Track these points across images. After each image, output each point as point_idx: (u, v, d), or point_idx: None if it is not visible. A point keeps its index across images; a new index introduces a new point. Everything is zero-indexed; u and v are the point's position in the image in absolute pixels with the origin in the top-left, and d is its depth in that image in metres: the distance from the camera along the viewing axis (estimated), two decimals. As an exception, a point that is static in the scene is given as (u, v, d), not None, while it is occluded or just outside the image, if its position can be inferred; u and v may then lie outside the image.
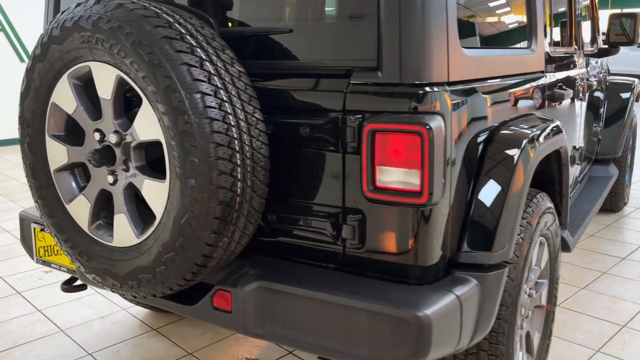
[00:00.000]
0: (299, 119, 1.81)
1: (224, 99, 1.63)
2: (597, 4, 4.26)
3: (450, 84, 1.71)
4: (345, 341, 1.70)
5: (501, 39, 2.41)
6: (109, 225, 1.94)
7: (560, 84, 2.81)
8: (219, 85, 1.64)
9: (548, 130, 2.20)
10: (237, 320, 1.85)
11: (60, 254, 2.44)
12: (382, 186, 1.67)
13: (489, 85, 1.99)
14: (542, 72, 2.55)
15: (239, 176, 1.66)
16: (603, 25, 4.43)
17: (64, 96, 1.87)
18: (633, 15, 3.91)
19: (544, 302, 2.54)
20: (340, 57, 1.77)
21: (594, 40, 4.22)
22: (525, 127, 2.10)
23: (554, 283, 2.59)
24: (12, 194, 6.20)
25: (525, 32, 2.45)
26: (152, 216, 1.85)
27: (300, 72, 1.83)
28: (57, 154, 1.95)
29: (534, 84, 2.43)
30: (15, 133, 8.76)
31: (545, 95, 2.55)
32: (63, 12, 1.82)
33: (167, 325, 3.23)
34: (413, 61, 1.64)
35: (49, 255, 2.50)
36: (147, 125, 1.70)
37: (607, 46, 4.12)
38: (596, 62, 4.16)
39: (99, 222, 1.95)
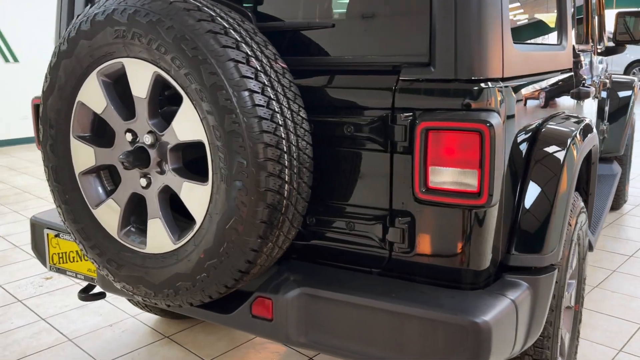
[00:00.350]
0: (343, 118, 1.74)
1: (272, 97, 1.55)
2: (603, 2, 4.25)
3: (504, 80, 1.65)
4: (395, 350, 1.63)
5: (538, 34, 2.36)
6: (141, 230, 1.84)
7: (583, 81, 2.77)
8: (266, 83, 1.55)
9: (584, 128, 2.16)
10: (279, 328, 1.77)
11: (77, 261, 2.34)
12: (435, 187, 1.60)
13: (532, 82, 1.93)
14: (570, 69, 2.51)
15: (287, 178, 1.58)
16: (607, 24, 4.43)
17: (92, 95, 1.77)
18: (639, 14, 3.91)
19: (572, 302, 2.50)
20: (387, 53, 1.69)
21: (600, 38, 4.21)
22: (566, 125, 2.05)
23: (582, 283, 2.56)
24: (1, 197, 6.02)
25: (557, 28, 2.40)
26: (188, 221, 1.77)
27: (343, 68, 1.76)
28: (83, 156, 1.85)
29: (566, 81, 2.39)
30: (3, 134, 8.58)
31: (572, 93, 2.51)
32: (92, 4, 1.72)
33: (179, 332, 3.13)
34: (469, 56, 1.57)
35: (63, 263, 2.39)
36: (188, 125, 1.61)
37: (613, 44, 4.11)
38: (601, 61, 4.16)
39: (129, 227, 1.85)
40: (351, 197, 1.79)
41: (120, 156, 1.72)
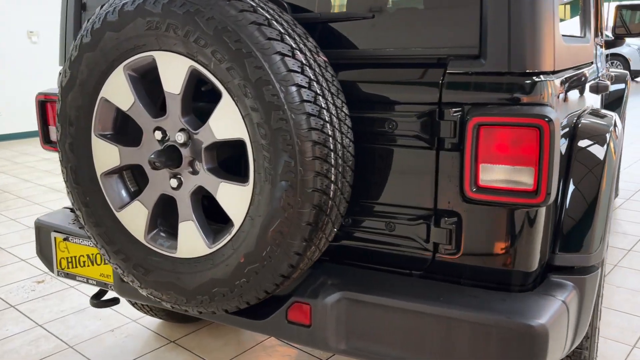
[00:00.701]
0: (384, 114, 1.66)
1: (318, 92, 1.47)
2: (602, -5, 4.26)
3: (553, 73, 1.59)
4: (444, 356, 1.57)
5: (569, 27, 2.32)
6: (170, 234, 1.74)
7: (600, 75, 2.75)
8: (312, 77, 1.47)
9: (614, 123, 2.13)
10: (317, 335, 1.69)
11: (88, 266, 2.22)
12: (486, 185, 1.54)
13: (571, 76, 1.89)
14: (592, 62, 2.47)
15: (332, 178, 1.50)
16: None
17: (117, 90, 1.67)
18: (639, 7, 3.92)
19: (593, 299, 2.47)
20: (432, 45, 1.62)
21: (601, 31, 4.22)
22: (600, 120, 2.01)
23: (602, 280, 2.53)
24: (-20, 198, 5.80)
25: (581, 20, 2.37)
26: (216, 223, 1.68)
27: (383, 61, 1.68)
28: (106, 155, 1.74)
29: (590, 75, 2.35)
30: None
31: (592, 87, 2.48)
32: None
33: (185, 336, 3.02)
34: (523, 48, 1.51)
35: (73, 267, 2.27)
36: (228, 122, 1.51)
37: (612, 38, 4.12)
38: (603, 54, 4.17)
39: (156, 230, 1.75)
40: (392, 197, 1.72)
41: (151, 156, 1.61)
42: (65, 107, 1.75)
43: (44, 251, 2.35)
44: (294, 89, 1.42)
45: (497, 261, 1.63)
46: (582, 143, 1.84)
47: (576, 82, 1.99)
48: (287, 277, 1.58)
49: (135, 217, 1.74)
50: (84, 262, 2.24)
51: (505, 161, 1.51)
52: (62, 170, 1.83)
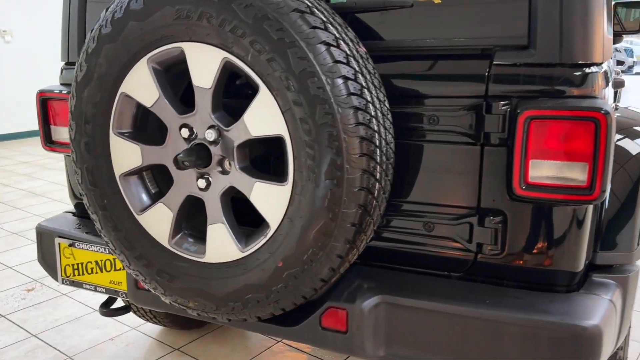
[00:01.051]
0: (425, 108, 1.59)
1: (364, 84, 1.39)
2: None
3: (600, 65, 1.54)
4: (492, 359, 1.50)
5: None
6: (196, 237, 1.64)
7: (615, 70, 2.71)
8: (357, 69, 1.38)
9: None
10: (353, 341, 1.60)
11: (97, 273, 2.09)
12: (536, 182, 1.47)
13: (607, 69, 1.84)
14: (612, 56, 2.43)
15: (378, 176, 1.42)
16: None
17: (140, 85, 1.56)
18: (638, 5, 3.91)
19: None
20: (476, 35, 1.55)
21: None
22: (632, 116, 1.97)
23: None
24: (-43, 203, 5.57)
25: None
26: (246, 225, 1.59)
27: (423, 53, 1.60)
28: (127, 155, 1.63)
29: (615, 69, 2.31)
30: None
31: (612, 82, 2.44)
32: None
33: (189, 343, 2.91)
34: (575, 38, 1.44)
35: (79, 275, 2.14)
36: (265, 118, 1.42)
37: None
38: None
39: (181, 234, 1.64)
40: (431, 195, 1.64)
41: (180, 155, 1.51)
42: (80, 103, 1.63)
43: (47, 258, 2.22)
44: (340, 81, 1.33)
45: (543, 261, 1.57)
46: (618, 139, 1.79)
47: (609, 76, 1.94)
48: (327, 282, 1.49)
49: (158, 221, 1.63)
50: (91, 269, 2.11)
51: (557, 156, 1.44)
52: (75, 172, 1.71)
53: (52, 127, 2.20)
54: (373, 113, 1.39)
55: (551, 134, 1.43)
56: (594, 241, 1.66)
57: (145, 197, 1.67)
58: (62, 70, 2.20)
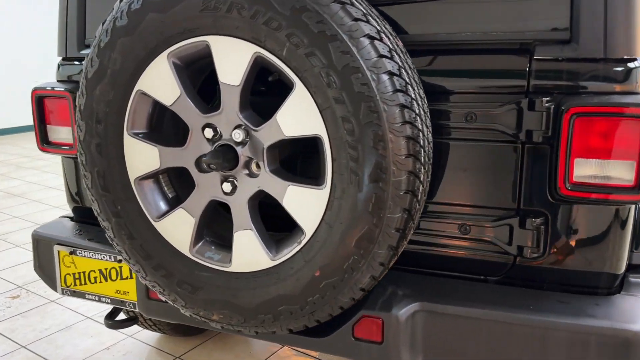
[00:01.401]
0: (461, 105, 1.50)
1: (407, 80, 1.30)
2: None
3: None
4: None
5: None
6: (219, 245, 1.53)
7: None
8: (400, 64, 1.29)
9: None
10: (390, 352, 1.52)
11: (101, 282, 1.97)
12: (580, 182, 1.41)
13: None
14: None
15: (421, 177, 1.33)
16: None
17: (159, 82, 1.44)
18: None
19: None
20: (514, 29, 1.47)
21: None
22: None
23: None
24: None
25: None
26: (275, 230, 1.49)
27: (459, 47, 1.52)
28: (143, 157, 1.51)
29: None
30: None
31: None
32: None
33: (190, 350, 2.79)
34: (620, 32, 1.38)
35: (81, 284, 2.01)
36: (301, 117, 1.32)
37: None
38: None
39: (203, 241, 1.53)
40: (468, 196, 1.56)
41: (205, 157, 1.40)
42: (91, 101, 1.51)
43: (44, 267, 2.08)
44: (385, 77, 1.24)
45: (586, 263, 1.50)
46: None
47: None
48: (366, 291, 1.40)
49: (178, 227, 1.52)
50: (95, 278, 1.99)
51: (603, 155, 1.38)
52: (85, 176, 1.58)
53: (49, 126, 2.07)
54: (417, 111, 1.30)
55: (597, 132, 1.37)
56: (631, 240, 1.61)
57: (163, 203, 1.55)
58: (58, 66, 2.06)
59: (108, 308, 2.85)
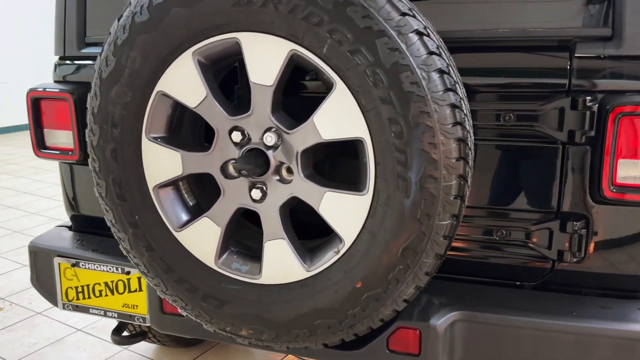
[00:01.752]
0: (499, 105, 1.44)
1: (456, 79, 1.23)
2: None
3: None
4: None
5: None
6: (246, 255, 1.44)
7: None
8: (448, 61, 1.22)
9: None
10: None
11: (107, 296, 1.85)
12: (624, 183, 1.36)
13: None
14: None
15: (469, 181, 1.26)
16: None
17: (182, 82, 1.34)
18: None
19: None
20: (555, 25, 1.41)
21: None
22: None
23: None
24: None
25: None
26: (309, 238, 1.41)
27: (498, 44, 1.45)
28: (164, 163, 1.41)
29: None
30: None
31: None
32: None
33: (190, 362, 2.68)
34: None
35: (84, 298, 1.89)
36: (342, 118, 1.23)
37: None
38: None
39: (228, 252, 1.44)
40: (504, 199, 1.50)
41: (235, 162, 1.31)
42: (106, 104, 1.40)
43: (43, 281, 1.96)
44: (436, 75, 1.17)
45: (627, 267, 1.46)
46: None
47: None
48: (409, 302, 1.33)
49: (202, 238, 1.42)
50: (100, 291, 1.87)
51: None
52: (98, 184, 1.47)
53: (46, 130, 1.94)
54: (465, 111, 1.23)
55: None
56: None
57: (185, 211, 1.45)
58: (55, 66, 1.93)
59: (100, 319, 2.74)
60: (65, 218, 2.13)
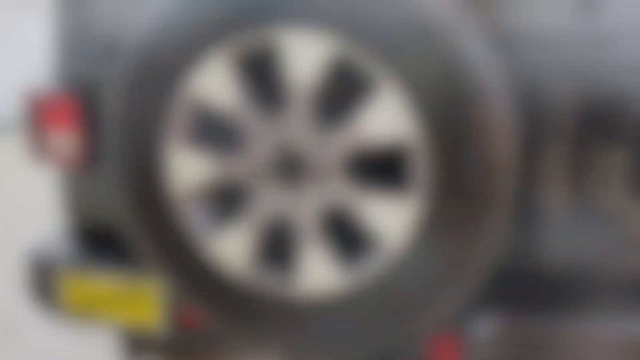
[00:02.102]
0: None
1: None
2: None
3: None
4: None
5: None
6: (282, 267, 1.36)
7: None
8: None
9: None
10: None
11: (113, 307, 1.75)
12: None
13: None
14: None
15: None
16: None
17: (212, 82, 1.25)
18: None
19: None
20: None
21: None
22: None
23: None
24: None
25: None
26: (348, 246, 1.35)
27: None
28: (190, 169, 1.31)
29: None
30: None
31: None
32: None
33: (191, 372, 2.57)
34: None
35: (89, 309, 1.78)
36: (388, 120, 1.16)
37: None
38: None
39: (262, 262, 1.36)
40: None
41: (271, 166, 1.23)
42: (125, 105, 1.30)
43: (43, 291, 1.83)
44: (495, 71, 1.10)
45: None
46: None
47: None
48: (458, 309, 1.27)
49: (232, 248, 1.33)
50: (107, 303, 1.76)
51: None
52: (117, 191, 1.37)
53: (46, 134, 1.81)
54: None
55: None
56: None
57: (212, 220, 1.36)
58: (57, 63, 1.81)
59: (91, 332, 2.62)
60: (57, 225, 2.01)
